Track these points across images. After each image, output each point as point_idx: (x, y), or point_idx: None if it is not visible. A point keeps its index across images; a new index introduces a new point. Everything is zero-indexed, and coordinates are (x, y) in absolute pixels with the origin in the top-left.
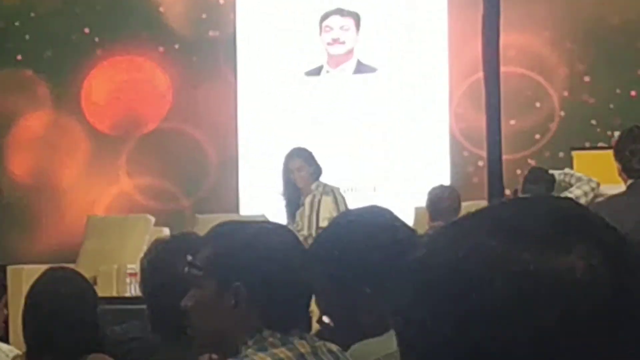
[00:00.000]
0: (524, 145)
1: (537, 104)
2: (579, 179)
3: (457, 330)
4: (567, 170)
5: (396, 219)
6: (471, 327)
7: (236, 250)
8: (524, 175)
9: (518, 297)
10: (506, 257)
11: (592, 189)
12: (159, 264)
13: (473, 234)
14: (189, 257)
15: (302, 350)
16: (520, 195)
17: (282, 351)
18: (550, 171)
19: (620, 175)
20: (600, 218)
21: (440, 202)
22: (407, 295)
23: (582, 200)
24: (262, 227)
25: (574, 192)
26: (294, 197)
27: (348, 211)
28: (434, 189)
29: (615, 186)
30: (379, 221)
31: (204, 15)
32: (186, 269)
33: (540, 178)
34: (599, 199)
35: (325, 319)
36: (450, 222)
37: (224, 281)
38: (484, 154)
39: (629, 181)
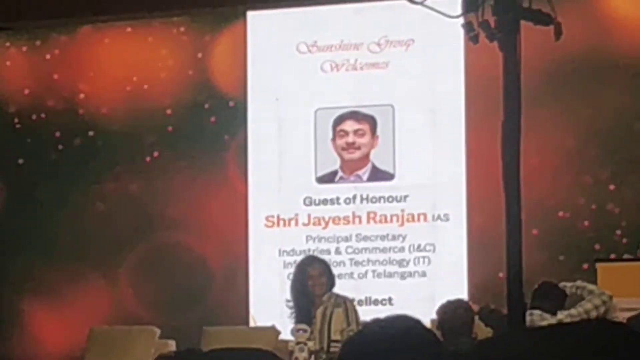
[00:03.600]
0: (545, 255)
1: (560, 213)
2: (590, 292)
3: None
4: (579, 282)
5: (431, 332)
6: None
7: None
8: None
9: None
10: None
11: (604, 302)
12: None
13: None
14: None
15: None
16: (529, 312)
17: None
18: (562, 284)
19: None
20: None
21: (448, 322)
22: None
23: (593, 314)
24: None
25: (584, 306)
26: (305, 306)
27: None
28: (442, 307)
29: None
30: (413, 330)
31: (212, 119)
32: None
33: (549, 293)
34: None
35: None
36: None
37: None
38: (505, 264)
39: None
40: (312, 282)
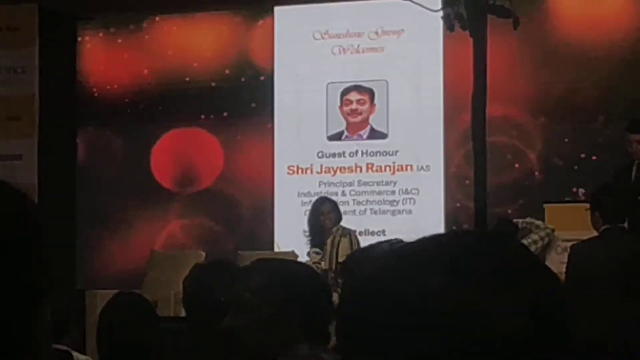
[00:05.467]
0: (505, 199)
1: (516, 165)
2: (537, 227)
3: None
4: (528, 219)
5: None
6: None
7: (288, 282)
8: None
9: (446, 333)
10: (443, 295)
11: (547, 234)
12: (199, 285)
13: (419, 268)
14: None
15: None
16: None
17: None
18: (515, 220)
19: (595, 222)
20: (540, 265)
21: None
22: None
23: (539, 244)
24: (297, 265)
25: (531, 237)
26: (318, 236)
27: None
28: None
29: (577, 232)
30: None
31: (247, 90)
32: (238, 293)
33: (504, 227)
34: (575, 242)
35: None
36: (404, 246)
37: (279, 306)
38: (473, 205)
39: (603, 227)
40: (323, 217)
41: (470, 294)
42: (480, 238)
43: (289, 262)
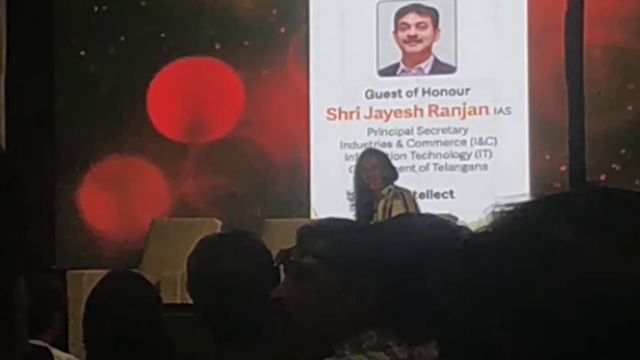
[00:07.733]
0: (609, 150)
1: (629, 107)
2: None
3: (508, 327)
4: None
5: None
6: (525, 323)
7: (371, 248)
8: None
9: (579, 297)
10: (575, 251)
11: None
12: (209, 262)
13: (542, 221)
14: (303, 246)
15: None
16: None
17: (382, 356)
18: None
19: None
20: None
21: None
22: (451, 283)
23: None
24: (391, 227)
25: None
26: (364, 201)
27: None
28: None
29: None
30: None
31: (274, 11)
32: (297, 256)
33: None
34: None
35: None
36: (520, 205)
37: (349, 278)
38: (567, 158)
39: None
40: (365, 174)
41: (601, 250)
42: (615, 193)
43: (385, 225)
